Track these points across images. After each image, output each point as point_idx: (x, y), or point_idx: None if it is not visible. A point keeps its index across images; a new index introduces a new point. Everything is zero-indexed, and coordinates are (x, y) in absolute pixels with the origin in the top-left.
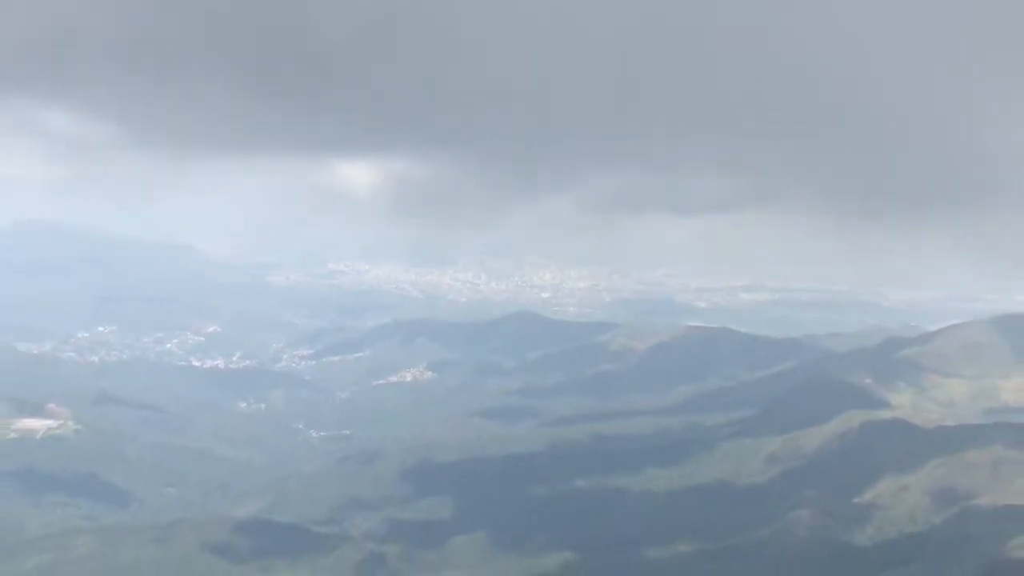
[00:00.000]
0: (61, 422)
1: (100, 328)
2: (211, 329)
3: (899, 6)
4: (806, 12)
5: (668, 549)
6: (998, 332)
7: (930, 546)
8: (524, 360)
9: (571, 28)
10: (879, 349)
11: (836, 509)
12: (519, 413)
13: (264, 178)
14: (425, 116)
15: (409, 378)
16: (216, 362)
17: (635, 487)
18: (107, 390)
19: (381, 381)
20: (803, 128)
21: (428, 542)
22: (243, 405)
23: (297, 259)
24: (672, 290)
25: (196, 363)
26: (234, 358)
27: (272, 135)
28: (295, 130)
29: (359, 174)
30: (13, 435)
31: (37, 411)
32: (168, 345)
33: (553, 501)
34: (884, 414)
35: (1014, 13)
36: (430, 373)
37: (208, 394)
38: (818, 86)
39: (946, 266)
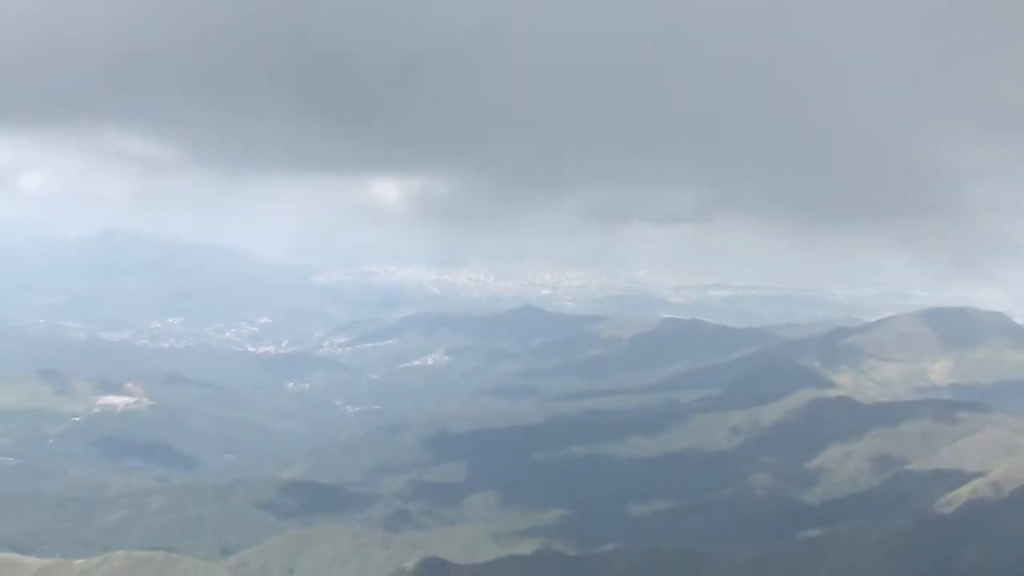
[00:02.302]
0: (137, 399)
1: (170, 319)
2: (263, 320)
3: (843, 47)
4: (762, 52)
5: (648, 506)
6: (926, 323)
7: (869, 504)
8: (527, 347)
9: (568, 65)
10: (826, 337)
11: (790, 472)
12: (523, 391)
13: (309, 193)
14: (444, 140)
15: (430, 362)
16: (267, 348)
17: (620, 454)
18: (176, 372)
19: (406, 364)
20: (762, 148)
21: (446, 500)
22: (290, 385)
23: (336, 261)
24: (652, 288)
25: (251, 349)
26: (282, 345)
27: (315, 156)
28: (335, 152)
29: (388, 189)
30: (97, 410)
31: (117, 389)
32: (227, 334)
33: (551, 465)
34: (830, 392)
35: (942, 51)
36: (448, 358)
37: (260, 375)
38: (774, 112)
39: (883, 266)
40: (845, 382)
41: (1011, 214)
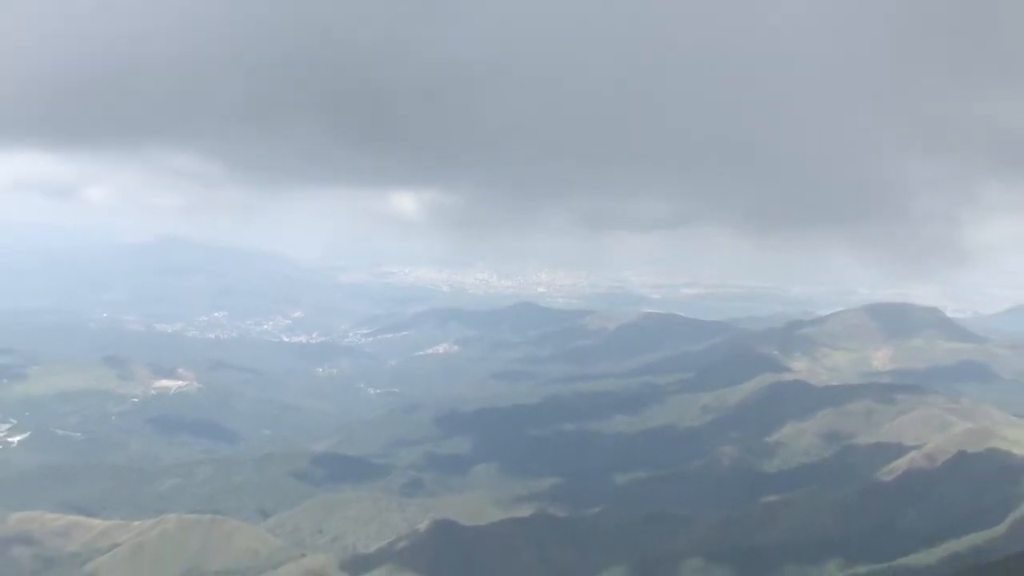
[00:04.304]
0: (187, 382)
1: (215, 313)
2: (296, 314)
3: (805, 75)
4: (732, 80)
5: (630, 475)
6: (870, 317)
7: (820, 473)
8: (526, 337)
9: (562, 91)
10: (783, 329)
11: (752, 446)
12: (521, 376)
13: (336, 204)
14: (455, 157)
15: (441, 351)
16: (300, 338)
17: (606, 430)
18: (221, 359)
19: (421, 353)
20: (731, 163)
21: (455, 470)
22: (319, 370)
23: (360, 263)
24: (633, 286)
25: (285, 339)
26: (313, 335)
27: (342, 171)
28: (359, 167)
29: (406, 201)
30: (153, 392)
31: (170, 374)
32: (265, 326)
33: (546, 440)
34: (787, 376)
35: (892, 79)
36: (456, 347)
37: (294, 362)
38: (743, 132)
39: (834, 267)
40: (800, 368)
41: (947, 222)
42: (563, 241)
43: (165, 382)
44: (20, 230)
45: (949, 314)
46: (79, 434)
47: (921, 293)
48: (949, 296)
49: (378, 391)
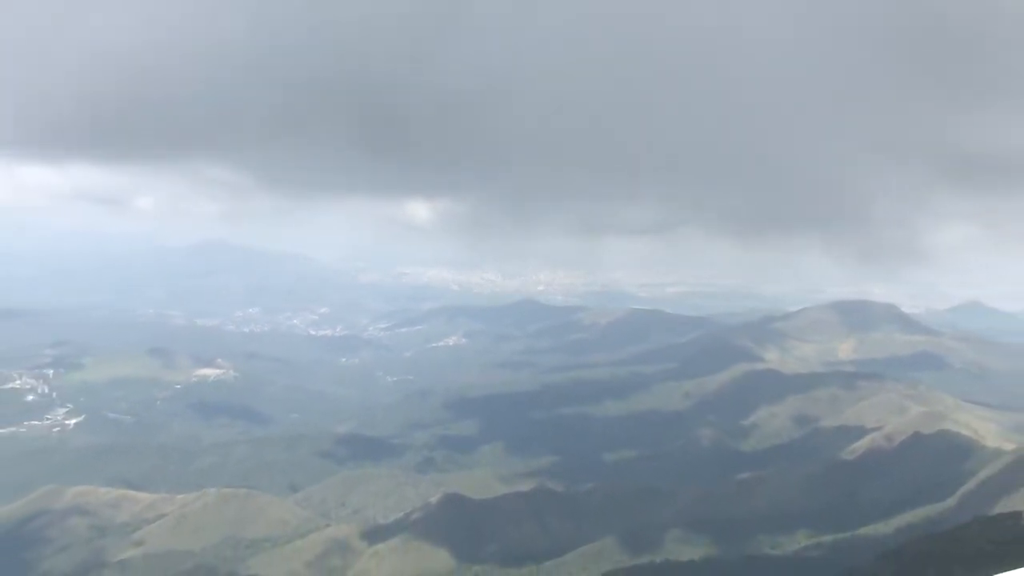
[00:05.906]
0: (225, 370)
1: (250, 310)
2: (322, 310)
3: (778, 94)
4: (714, 100)
5: (618, 454)
6: (834, 312)
7: (790, 452)
8: (526, 331)
9: (560, 110)
10: (758, 323)
11: (729, 428)
12: (523, 365)
13: (357, 210)
14: (463, 169)
15: (451, 343)
16: (325, 332)
17: (597, 414)
18: (254, 350)
19: (433, 345)
20: (712, 174)
21: (463, 449)
22: (343, 360)
23: (378, 265)
24: (623, 285)
25: (312, 333)
26: (337, 329)
27: (362, 181)
28: (377, 178)
29: (419, 208)
30: (194, 379)
31: (209, 363)
32: (294, 321)
33: (545, 423)
34: (760, 366)
35: (857, 97)
36: (465, 340)
37: (320, 353)
38: (723, 146)
39: (802, 267)
40: (772, 358)
41: (906, 226)
42: (561, 244)
43: (205, 371)
44: (77, 235)
45: (905, 310)
46: (128, 417)
47: (880, 291)
48: (905, 294)
49: (395, 379)
